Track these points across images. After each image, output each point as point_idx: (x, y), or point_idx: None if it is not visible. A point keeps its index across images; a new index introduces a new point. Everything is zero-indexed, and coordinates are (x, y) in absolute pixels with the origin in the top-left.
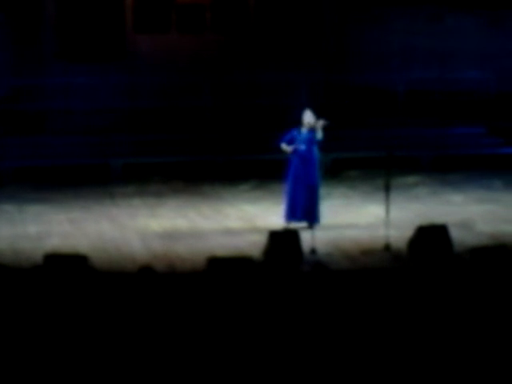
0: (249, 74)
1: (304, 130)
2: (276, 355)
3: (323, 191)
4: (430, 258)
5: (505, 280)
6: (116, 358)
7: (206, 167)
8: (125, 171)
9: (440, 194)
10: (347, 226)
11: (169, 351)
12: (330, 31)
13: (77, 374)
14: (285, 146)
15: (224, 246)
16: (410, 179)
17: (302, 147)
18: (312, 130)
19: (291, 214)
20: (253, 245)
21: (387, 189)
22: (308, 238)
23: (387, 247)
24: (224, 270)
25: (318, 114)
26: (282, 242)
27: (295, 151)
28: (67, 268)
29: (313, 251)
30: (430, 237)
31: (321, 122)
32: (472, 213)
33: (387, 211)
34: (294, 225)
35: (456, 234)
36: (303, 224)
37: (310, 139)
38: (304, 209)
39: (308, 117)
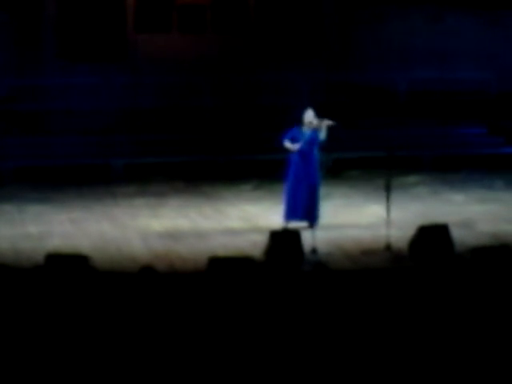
0: (250, 74)
1: (306, 130)
2: (277, 355)
3: (324, 191)
4: (430, 258)
5: (506, 280)
6: (117, 358)
7: (207, 167)
8: (126, 171)
9: (441, 193)
10: (348, 226)
11: (170, 351)
12: (331, 31)
13: (78, 373)
14: (289, 144)
15: (225, 246)
16: (411, 179)
17: (304, 146)
18: (315, 129)
19: (291, 214)
20: (254, 245)
21: (388, 188)
22: (309, 238)
23: (388, 247)
24: (225, 269)
25: (319, 114)
26: (282, 241)
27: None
28: (68, 268)
29: (314, 251)
30: (431, 237)
31: (326, 122)
32: (473, 212)
33: (388, 211)
34: (294, 224)
35: (457, 234)
36: (303, 224)
37: (313, 139)
38: (305, 208)
39: (309, 116)
